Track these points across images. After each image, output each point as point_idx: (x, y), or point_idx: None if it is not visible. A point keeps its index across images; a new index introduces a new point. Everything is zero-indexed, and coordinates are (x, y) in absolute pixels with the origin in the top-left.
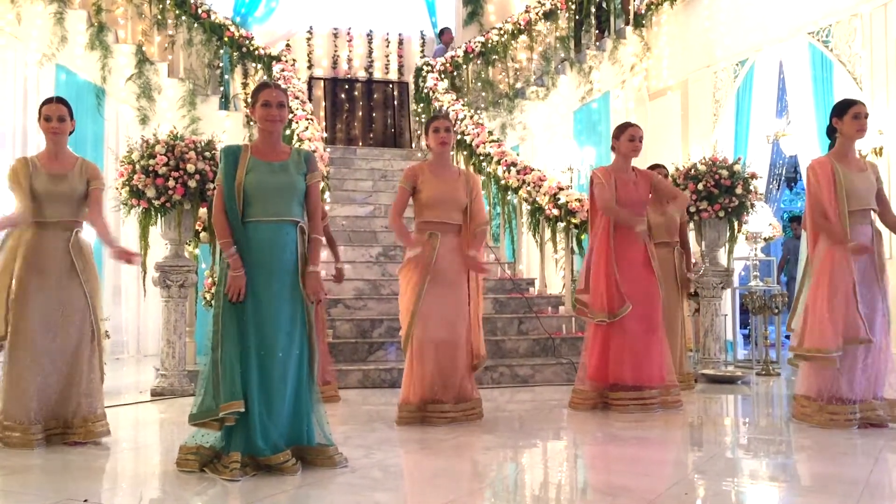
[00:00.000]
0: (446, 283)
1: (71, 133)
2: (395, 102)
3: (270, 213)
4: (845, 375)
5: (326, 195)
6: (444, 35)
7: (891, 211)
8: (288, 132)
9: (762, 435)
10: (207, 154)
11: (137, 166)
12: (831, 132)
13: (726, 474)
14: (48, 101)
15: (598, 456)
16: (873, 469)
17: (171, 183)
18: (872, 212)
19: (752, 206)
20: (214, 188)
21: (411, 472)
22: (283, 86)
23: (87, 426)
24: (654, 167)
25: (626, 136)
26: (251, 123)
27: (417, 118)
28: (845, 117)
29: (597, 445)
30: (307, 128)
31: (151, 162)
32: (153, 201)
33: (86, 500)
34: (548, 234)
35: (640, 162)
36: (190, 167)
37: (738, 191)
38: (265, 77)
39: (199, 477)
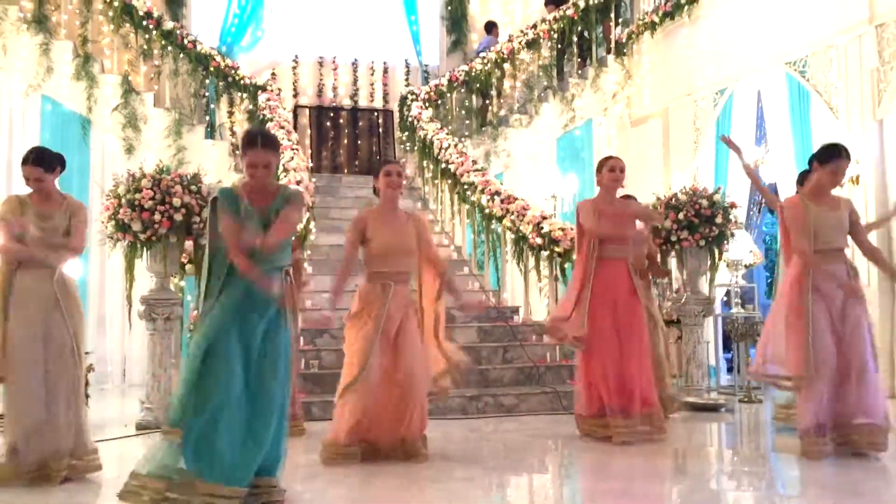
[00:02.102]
0: (395, 333)
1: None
2: (381, 130)
3: (263, 262)
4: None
5: (312, 224)
6: (493, 30)
7: (867, 241)
8: None
9: (745, 466)
10: (193, 188)
11: (123, 200)
12: (804, 175)
13: None
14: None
15: (583, 490)
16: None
17: (156, 217)
18: (846, 249)
19: (732, 234)
20: (202, 223)
21: None
22: (269, 116)
23: (77, 461)
24: (625, 198)
25: (607, 168)
26: (236, 152)
27: (402, 146)
28: (827, 167)
29: (581, 479)
30: (292, 158)
31: (137, 196)
32: (139, 235)
33: None
34: (532, 262)
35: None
36: (176, 201)
37: (718, 220)
38: (251, 106)
39: None
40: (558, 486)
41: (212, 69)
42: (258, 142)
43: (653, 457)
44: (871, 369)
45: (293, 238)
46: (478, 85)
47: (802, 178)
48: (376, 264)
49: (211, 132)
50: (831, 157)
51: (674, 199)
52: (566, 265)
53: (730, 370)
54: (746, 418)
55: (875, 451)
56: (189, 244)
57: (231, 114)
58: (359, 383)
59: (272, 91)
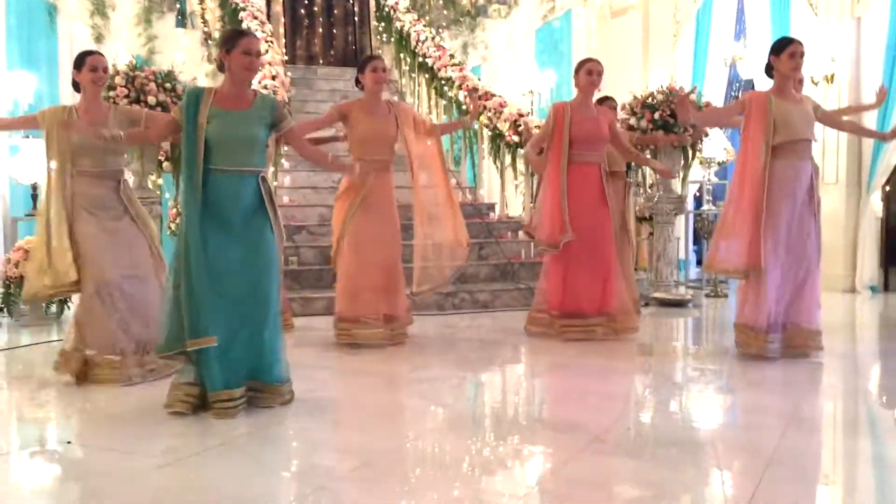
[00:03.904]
0: (376, 212)
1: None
2: (356, 19)
3: (231, 163)
4: (755, 301)
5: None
6: None
7: (841, 120)
8: None
9: (708, 364)
10: (168, 85)
11: None
12: (769, 69)
13: (670, 408)
14: (94, 52)
15: (548, 388)
16: (800, 401)
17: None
18: (811, 144)
19: (706, 134)
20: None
21: (363, 407)
22: (242, 5)
23: None
24: (603, 99)
25: (584, 71)
26: (209, 42)
27: (379, 36)
28: (782, 55)
29: (547, 377)
30: (267, 51)
31: (111, 94)
32: None
33: (69, 442)
34: (508, 159)
35: (603, 84)
36: (151, 99)
37: None
38: None
39: (174, 414)
40: (525, 388)
41: None
42: (247, 32)
43: (618, 356)
44: (818, 271)
45: (267, 145)
46: None
47: (770, 69)
48: (359, 151)
49: (182, 20)
50: (783, 43)
51: (650, 99)
52: None
53: (699, 263)
54: (712, 314)
55: (816, 351)
56: (165, 144)
57: (202, 1)
58: (340, 255)
59: None
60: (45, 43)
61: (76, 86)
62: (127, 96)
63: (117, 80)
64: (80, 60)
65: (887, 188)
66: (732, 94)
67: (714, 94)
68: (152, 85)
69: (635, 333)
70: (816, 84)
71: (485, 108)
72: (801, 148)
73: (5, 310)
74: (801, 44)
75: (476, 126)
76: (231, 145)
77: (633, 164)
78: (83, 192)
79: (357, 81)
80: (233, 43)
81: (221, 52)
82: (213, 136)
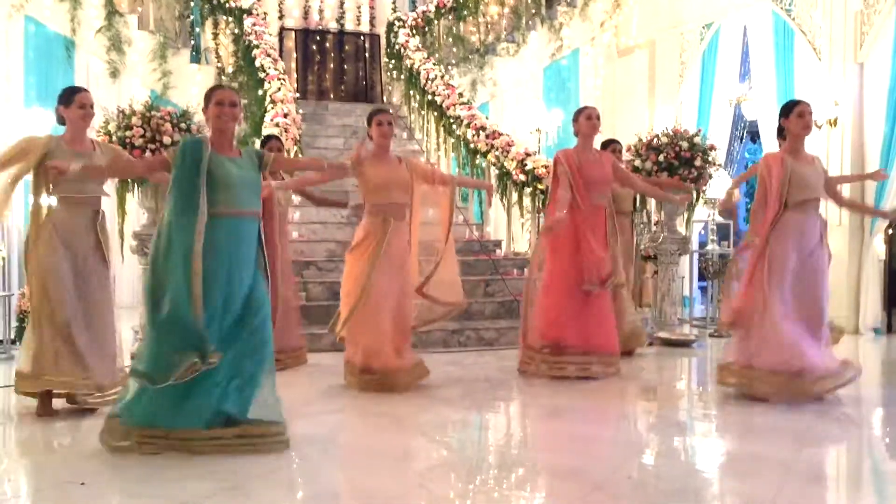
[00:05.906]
0: (394, 262)
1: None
2: (367, 55)
3: (235, 205)
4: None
5: (299, 156)
6: None
7: (840, 193)
8: (260, 92)
9: (711, 408)
10: (183, 125)
11: (114, 137)
12: (780, 132)
13: (673, 454)
14: (82, 90)
15: (551, 432)
16: (802, 448)
17: (147, 155)
18: (821, 201)
19: (711, 176)
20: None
21: (369, 448)
22: (255, 42)
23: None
24: (608, 143)
25: (584, 116)
26: (222, 77)
27: (389, 73)
28: (791, 116)
29: (550, 420)
30: (279, 88)
31: (128, 133)
32: None
33: (83, 483)
34: (515, 197)
35: (607, 121)
36: (166, 139)
37: (697, 163)
38: (236, 30)
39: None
40: (526, 432)
41: None
42: (219, 86)
43: (622, 400)
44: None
45: (264, 187)
46: (466, 11)
47: (782, 131)
48: (375, 197)
49: (196, 56)
50: (791, 105)
51: (655, 140)
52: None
53: (704, 299)
54: (716, 355)
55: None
56: None
57: (216, 36)
58: (360, 308)
59: (257, 15)
60: (63, 78)
61: (62, 120)
62: (143, 136)
63: (134, 120)
64: (69, 98)
65: (889, 231)
66: (737, 133)
67: (719, 134)
68: (168, 125)
69: (617, 374)
70: (820, 127)
71: (492, 146)
72: (811, 206)
73: (19, 343)
74: (807, 104)
75: (483, 163)
76: (234, 187)
77: (637, 203)
78: (61, 220)
79: (368, 134)
80: (208, 98)
81: (203, 109)
82: (221, 180)
